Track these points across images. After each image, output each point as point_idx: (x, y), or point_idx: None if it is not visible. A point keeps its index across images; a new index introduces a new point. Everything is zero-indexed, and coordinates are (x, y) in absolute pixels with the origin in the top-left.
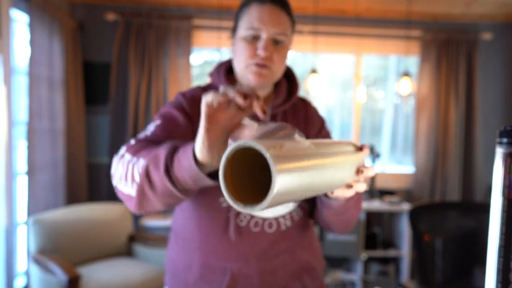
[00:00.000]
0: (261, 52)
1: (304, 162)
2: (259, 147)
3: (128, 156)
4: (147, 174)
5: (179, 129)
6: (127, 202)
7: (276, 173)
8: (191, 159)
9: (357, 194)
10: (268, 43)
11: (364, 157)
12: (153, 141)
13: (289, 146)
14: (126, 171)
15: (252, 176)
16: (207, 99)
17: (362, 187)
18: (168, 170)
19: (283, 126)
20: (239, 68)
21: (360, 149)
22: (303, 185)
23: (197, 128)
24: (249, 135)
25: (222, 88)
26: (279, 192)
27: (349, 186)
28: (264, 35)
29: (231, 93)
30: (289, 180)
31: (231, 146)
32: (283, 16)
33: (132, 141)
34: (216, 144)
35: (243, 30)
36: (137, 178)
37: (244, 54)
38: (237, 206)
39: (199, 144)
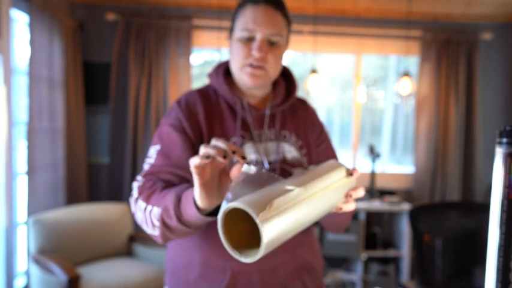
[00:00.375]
0: (255, 53)
1: (293, 212)
2: (250, 211)
3: (141, 203)
4: (164, 223)
5: (177, 149)
6: (153, 237)
7: (264, 231)
8: (194, 209)
9: None
10: (263, 44)
11: (354, 180)
12: (156, 174)
13: (279, 202)
14: (145, 219)
15: (250, 221)
16: (194, 162)
17: (351, 207)
18: (180, 218)
19: (274, 177)
20: (235, 69)
21: (350, 173)
22: (293, 228)
23: (194, 136)
24: (244, 181)
25: (202, 149)
26: (269, 243)
27: (339, 208)
28: (258, 36)
29: (212, 153)
30: (279, 232)
31: (226, 206)
32: (277, 16)
33: (140, 179)
34: (211, 191)
35: (238, 32)
36: (157, 224)
37: (239, 55)
38: (234, 255)
39: (198, 197)
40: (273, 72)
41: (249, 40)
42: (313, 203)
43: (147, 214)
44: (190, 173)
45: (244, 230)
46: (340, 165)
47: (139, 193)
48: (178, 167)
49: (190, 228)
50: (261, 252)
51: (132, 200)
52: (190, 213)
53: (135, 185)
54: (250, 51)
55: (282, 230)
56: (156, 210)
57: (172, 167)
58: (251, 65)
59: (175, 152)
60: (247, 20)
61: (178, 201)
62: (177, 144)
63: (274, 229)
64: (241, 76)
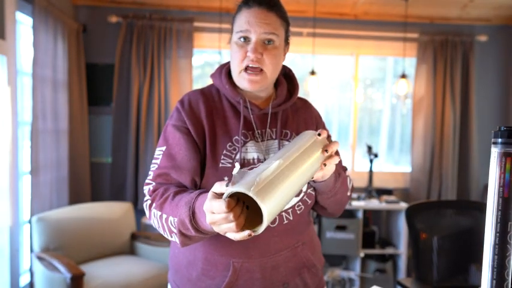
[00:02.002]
0: (250, 54)
1: (279, 179)
2: (244, 190)
3: (156, 211)
4: (181, 233)
5: (181, 149)
6: (173, 240)
7: (261, 204)
8: (209, 225)
9: (342, 177)
10: (258, 44)
11: (324, 138)
12: (165, 176)
13: (263, 176)
14: (162, 226)
15: (251, 207)
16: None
17: (335, 161)
18: (197, 229)
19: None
20: (234, 73)
21: (319, 134)
22: (287, 192)
23: (197, 134)
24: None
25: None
26: (270, 211)
27: (324, 165)
28: (253, 37)
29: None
30: (274, 198)
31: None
32: (271, 16)
33: (151, 183)
34: None
35: (234, 35)
36: (175, 231)
37: (237, 58)
38: (249, 232)
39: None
40: (271, 73)
41: (245, 42)
42: (295, 167)
43: (163, 222)
44: (195, 173)
45: (249, 218)
46: (308, 132)
47: (152, 200)
48: (183, 167)
49: (208, 234)
50: (264, 224)
51: (145, 206)
52: (206, 226)
53: (146, 190)
54: (246, 53)
55: (276, 195)
56: (172, 219)
57: (178, 168)
58: (248, 69)
59: (179, 152)
60: (241, 23)
61: (192, 213)
62: (180, 144)
63: (268, 197)
64: (240, 81)
